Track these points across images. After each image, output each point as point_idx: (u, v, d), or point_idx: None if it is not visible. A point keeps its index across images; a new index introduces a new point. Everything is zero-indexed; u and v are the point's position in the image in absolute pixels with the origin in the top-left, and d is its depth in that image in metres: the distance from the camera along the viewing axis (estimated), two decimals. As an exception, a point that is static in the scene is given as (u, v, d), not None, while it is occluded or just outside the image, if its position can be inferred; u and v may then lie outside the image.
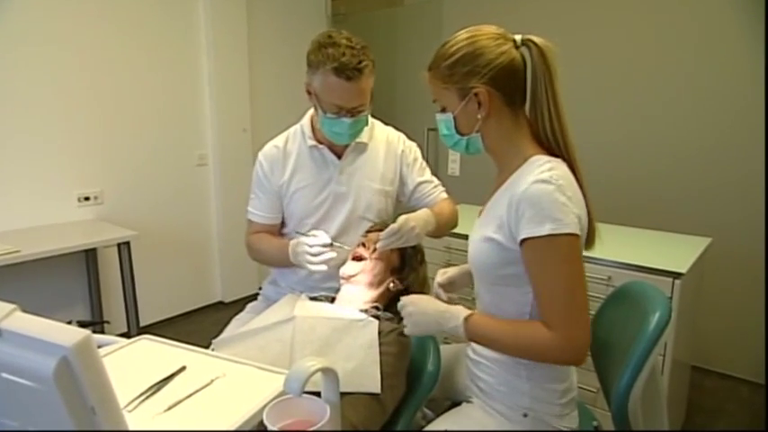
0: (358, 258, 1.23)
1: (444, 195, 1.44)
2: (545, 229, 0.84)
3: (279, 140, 1.39)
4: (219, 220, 3.09)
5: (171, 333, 1.04)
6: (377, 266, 1.22)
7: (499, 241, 0.94)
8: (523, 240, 0.88)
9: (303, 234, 1.25)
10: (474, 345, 1.08)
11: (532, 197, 0.86)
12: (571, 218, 0.86)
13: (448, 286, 1.19)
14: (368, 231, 1.33)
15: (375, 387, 0.97)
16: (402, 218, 1.18)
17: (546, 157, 0.93)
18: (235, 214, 3.09)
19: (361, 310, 1.15)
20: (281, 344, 1.05)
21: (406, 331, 0.96)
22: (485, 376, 1.04)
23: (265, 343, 1.07)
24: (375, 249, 1.19)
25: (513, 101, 0.94)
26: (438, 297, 1.18)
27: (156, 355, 1.00)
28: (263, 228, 1.40)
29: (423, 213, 1.25)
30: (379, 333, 1.05)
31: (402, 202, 1.48)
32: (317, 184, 1.35)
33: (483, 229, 0.99)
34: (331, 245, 1.20)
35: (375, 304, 1.21)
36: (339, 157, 1.35)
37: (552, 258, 0.85)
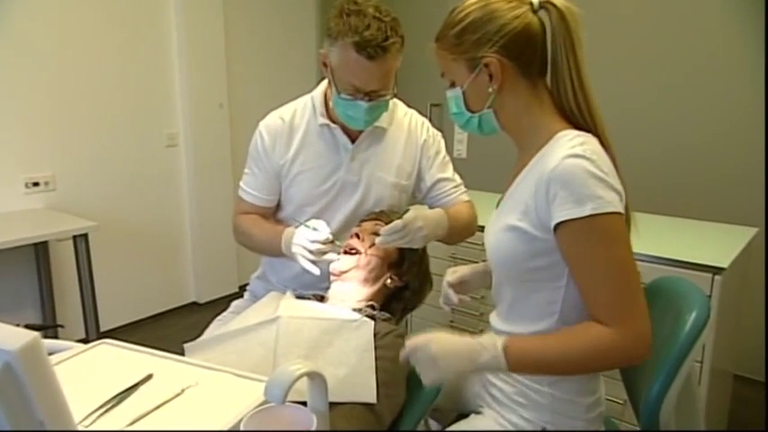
0: (351, 252, 1.24)
1: (465, 198, 1.44)
2: (586, 210, 0.83)
3: (285, 112, 1.38)
4: (193, 209, 3.09)
5: (137, 339, 1.05)
6: (372, 261, 1.23)
7: (525, 230, 0.93)
8: (559, 225, 0.86)
9: (302, 223, 1.24)
10: None
11: (566, 174, 0.85)
12: (612, 195, 0.85)
13: (459, 287, 1.18)
14: (363, 220, 1.34)
15: (370, 396, 0.97)
16: (410, 214, 1.18)
17: (575, 132, 0.92)
18: (211, 202, 3.10)
19: (355, 310, 1.16)
20: (262, 348, 1.06)
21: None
22: (500, 384, 1.04)
23: (245, 347, 1.07)
24: (373, 244, 1.19)
25: (529, 71, 0.94)
26: (448, 299, 1.18)
27: (117, 362, 0.99)
28: (254, 209, 1.39)
29: (435, 214, 1.25)
30: (375, 335, 1.06)
31: (417, 198, 1.48)
32: (324, 168, 1.35)
33: (505, 218, 0.98)
34: (333, 242, 1.20)
35: (370, 303, 1.21)
36: (353, 140, 1.34)
37: (598, 242, 0.85)
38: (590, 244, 0.85)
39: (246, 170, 1.42)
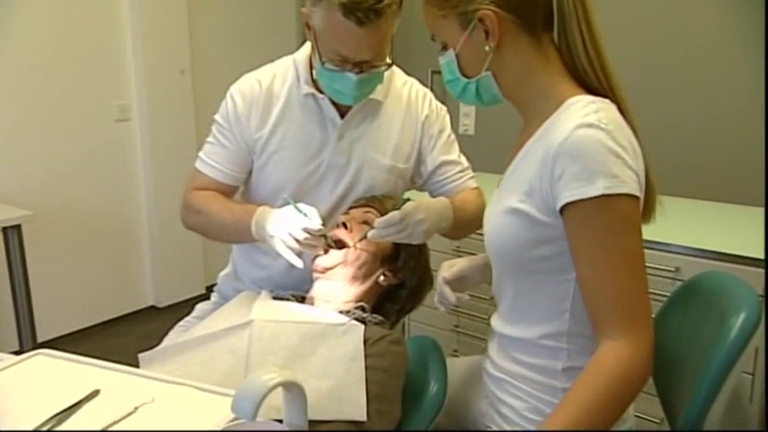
0: (337, 245, 1.24)
1: (472, 184, 1.44)
2: (596, 188, 0.84)
3: (263, 75, 1.37)
4: (150, 195, 3.07)
5: (83, 350, 1.04)
6: (362, 256, 1.23)
7: (527, 212, 0.94)
8: (566, 206, 0.88)
9: (291, 203, 1.22)
10: (494, 355, 1.09)
11: (576, 147, 0.86)
12: (629, 174, 0.86)
13: (456, 283, 1.20)
14: (352, 207, 1.34)
15: (359, 413, 0.97)
16: (410, 205, 1.18)
17: (589, 97, 0.93)
18: (171, 186, 3.07)
19: (341, 312, 1.17)
20: (232, 357, 1.06)
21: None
22: (510, 399, 1.05)
23: (211, 356, 1.08)
24: (364, 237, 1.20)
25: (531, 25, 0.95)
26: (444, 298, 1.19)
27: (57, 376, 0.99)
28: (214, 185, 1.37)
29: (439, 204, 1.26)
30: (365, 341, 1.07)
31: (416, 184, 1.48)
32: (307, 146, 1.34)
33: (505, 199, 0.99)
34: (324, 236, 1.19)
35: (359, 304, 1.22)
36: (342, 115, 1.34)
37: (607, 227, 0.86)
38: (598, 229, 0.86)
39: (210, 139, 1.40)
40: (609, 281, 0.87)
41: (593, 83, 0.94)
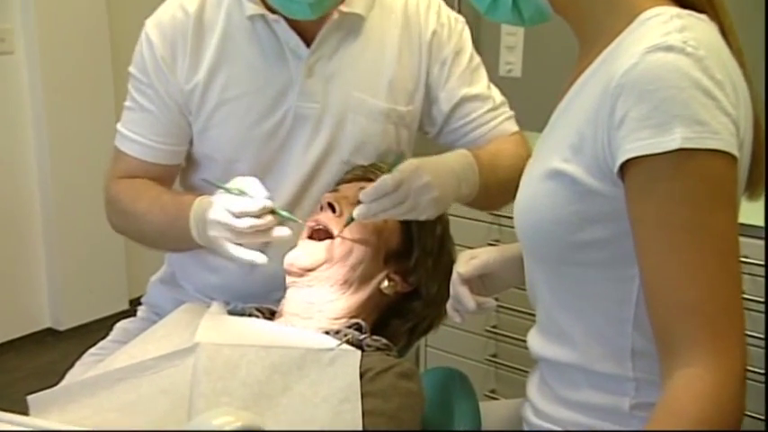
0: (320, 235, 1.25)
1: (510, 127, 1.47)
2: (672, 139, 0.84)
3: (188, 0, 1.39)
4: (45, 171, 3.09)
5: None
6: (356, 250, 1.24)
7: (573, 176, 0.94)
8: (627, 165, 0.87)
9: (219, 187, 1.24)
10: (534, 395, 1.10)
11: (646, 79, 0.86)
12: (723, 122, 0.85)
13: (478, 282, 1.21)
14: (343, 180, 1.35)
15: (353, 476, 0.99)
16: (409, 164, 1.19)
17: (674, 10, 0.92)
18: (77, 158, 3.08)
19: (327, 332, 1.18)
20: (167, 398, 1.07)
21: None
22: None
23: (137, 398, 1.08)
24: (351, 220, 1.21)
25: None
26: (459, 302, 1.19)
27: None
28: (142, 168, 1.40)
29: (454, 160, 1.26)
30: (363, 375, 1.07)
31: (429, 134, 1.48)
32: (262, 92, 1.36)
33: (544, 159, 1.00)
34: (273, 212, 1.20)
35: (354, 320, 1.23)
36: (308, 41, 1.35)
37: (688, 198, 0.85)
38: (671, 200, 0.86)
39: (128, 103, 1.41)
40: (685, 279, 0.86)
41: None
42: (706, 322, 0.85)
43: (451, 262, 1.33)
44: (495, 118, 1.44)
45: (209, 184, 1.27)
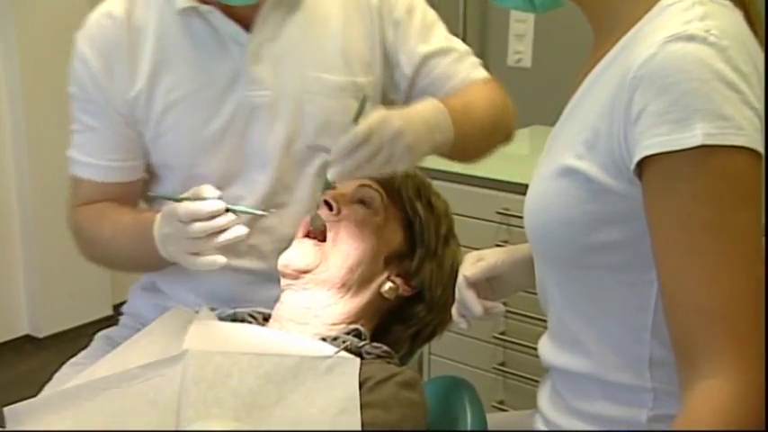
0: (317, 234, 1.26)
1: (480, 74, 1.49)
2: (693, 135, 0.83)
3: (114, 3, 1.39)
4: (24, 176, 3.10)
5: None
6: (353, 251, 1.24)
7: (587, 173, 0.94)
8: (645, 163, 0.87)
9: (167, 198, 1.26)
10: (545, 406, 1.10)
11: (665, 70, 0.85)
12: (748, 117, 0.85)
13: (485, 286, 1.21)
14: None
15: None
16: (375, 112, 1.19)
17: None
18: (58, 156, 3.07)
19: (324, 339, 1.18)
20: (155, 409, 1.07)
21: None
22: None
23: (121, 409, 1.09)
24: (327, 185, 1.23)
25: None
26: (465, 306, 1.19)
27: None
28: (99, 191, 1.41)
29: (421, 107, 1.25)
30: (362, 384, 1.08)
31: (396, 103, 1.49)
32: (207, 89, 1.37)
33: (556, 156, 1.00)
34: (227, 210, 1.21)
35: (353, 326, 1.23)
36: (246, 26, 1.36)
37: (710, 198, 0.85)
38: (692, 200, 0.85)
39: (73, 126, 1.42)
40: (706, 284, 0.85)
41: None
42: (728, 330, 0.84)
43: (457, 264, 1.34)
44: (461, 69, 1.45)
45: (159, 198, 1.29)
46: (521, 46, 2.97)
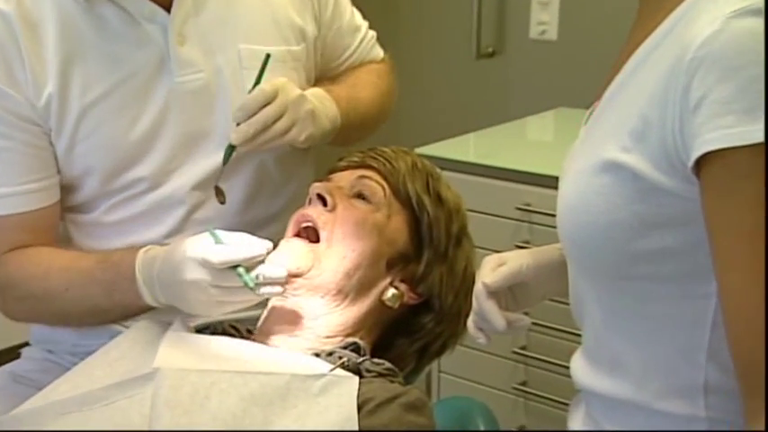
0: (309, 233, 1.27)
1: (376, 52, 1.68)
2: (761, 128, 0.83)
3: None
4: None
5: None
6: (352, 253, 1.25)
7: (635, 169, 0.93)
8: (706, 159, 0.86)
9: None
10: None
11: (731, 51, 0.85)
12: None
13: (507, 294, 1.21)
14: (333, 170, 1.35)
15: None
16: (281, 78, 1.32)
17: None
18: None
19: (317, 354, 1.18)
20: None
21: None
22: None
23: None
24: (231, 150, 1.28)
25: None
26: (484, 318, 1.18)
27: None
28: (22, 224, 1.37)
29: (312, 90, 1.42)
30: (361, 406, 1.08)
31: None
32: (131, 81, 1.37)
33: (595, 148, 0.99)
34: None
35: (351, 340, 1.23)
36: (165, 5, 1.36)
37: None
38: (761, 204, 0.84)
39: None
40: None
41: None
42: None
43: (471, 268, 1.34)
44: (364, 47, 1.60)
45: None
46: (545, 15, 2.96)
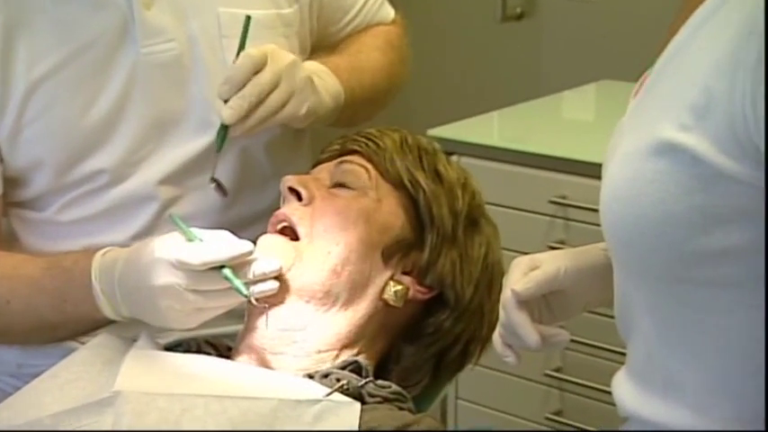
0: (286, 233, 1.29)
1: (384, 13, 1.69)
2: None
3: None
4: None
5: None
6: (337, 245, 1.26)
7: (696, 152, 0.93)
8: None
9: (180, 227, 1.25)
10: None
11: None
12: None
13: (540, 303, 1.22)
14: (315, 164, 1.38)
15: None
16: (269, 45, 1.34)
17: None
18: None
19: (309, 376, 1.20)
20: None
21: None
22: None
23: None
24: (224, 131, 1.29)
25: None
26: (513, 334, 1.18)
27: None
28: None
29: (309, 63, 1.44)
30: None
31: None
32: (89, 52, 1.38)
33: (647, 126, 0.99)
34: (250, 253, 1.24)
35: (351, 358, 1.24)
36: None
37: None
38: None
39: None
40: None
41: None
42: None
43: (493, 255, 1.36)
44: (370, 7, 1.63)
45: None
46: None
